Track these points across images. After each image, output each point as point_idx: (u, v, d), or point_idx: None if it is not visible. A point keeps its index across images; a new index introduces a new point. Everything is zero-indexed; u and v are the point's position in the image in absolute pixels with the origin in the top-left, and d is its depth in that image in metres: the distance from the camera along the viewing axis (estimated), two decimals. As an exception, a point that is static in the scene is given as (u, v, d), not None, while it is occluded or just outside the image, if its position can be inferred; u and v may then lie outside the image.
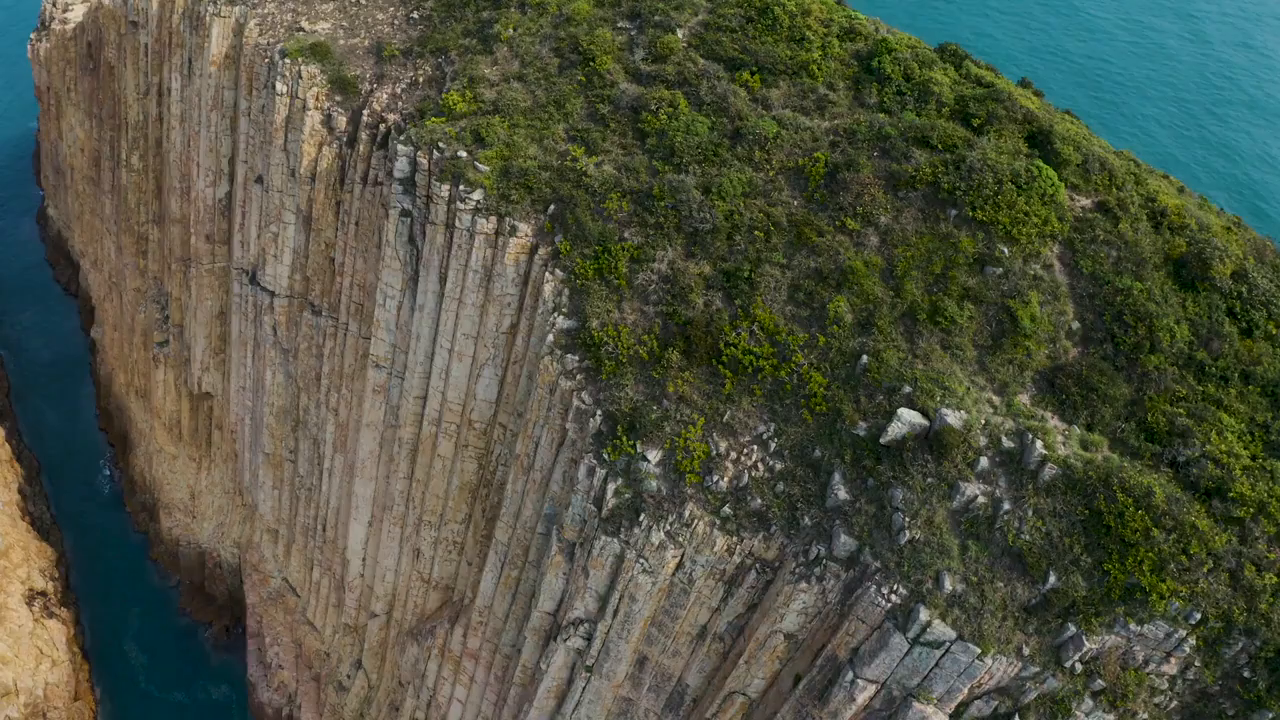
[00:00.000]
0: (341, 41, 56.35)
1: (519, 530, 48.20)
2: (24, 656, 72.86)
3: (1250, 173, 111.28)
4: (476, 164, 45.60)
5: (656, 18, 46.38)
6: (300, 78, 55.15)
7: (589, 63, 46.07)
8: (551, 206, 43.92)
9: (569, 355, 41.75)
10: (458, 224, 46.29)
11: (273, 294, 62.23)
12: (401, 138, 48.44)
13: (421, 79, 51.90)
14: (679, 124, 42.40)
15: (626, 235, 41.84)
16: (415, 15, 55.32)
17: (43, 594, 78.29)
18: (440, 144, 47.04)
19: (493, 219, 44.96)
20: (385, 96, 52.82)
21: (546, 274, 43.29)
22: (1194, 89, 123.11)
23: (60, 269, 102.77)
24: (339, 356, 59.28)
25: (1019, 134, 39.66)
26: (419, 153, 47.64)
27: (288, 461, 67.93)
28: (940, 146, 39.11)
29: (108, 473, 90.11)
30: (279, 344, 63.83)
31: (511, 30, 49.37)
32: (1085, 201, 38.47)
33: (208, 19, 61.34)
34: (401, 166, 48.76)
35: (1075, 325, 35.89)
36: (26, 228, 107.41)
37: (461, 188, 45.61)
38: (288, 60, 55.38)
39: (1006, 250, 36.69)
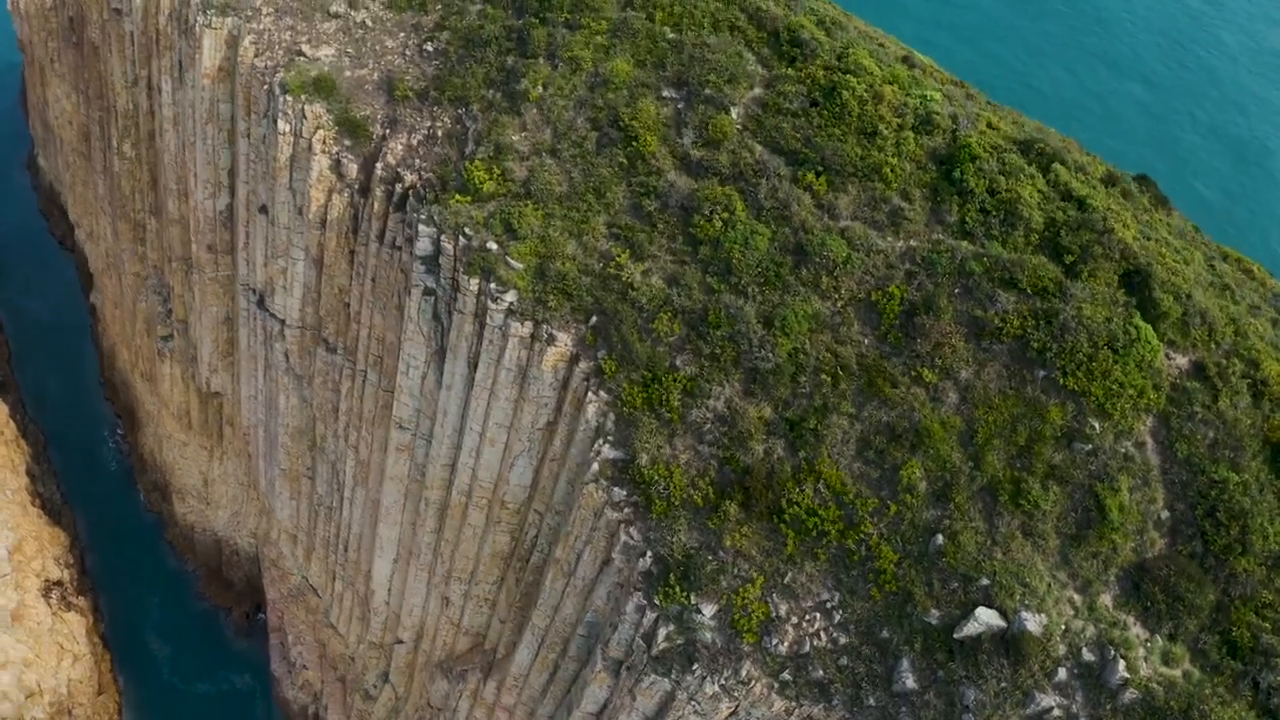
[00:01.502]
0: (347, 73, 50.91)
1: (558, 623, 46.86)
2: (46, 656, 72.81)
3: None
4: (509, 259, 41.78)
5: (707, 91, 41.50)
6: (304, 117, 50.17)
7: (631, 141, 41.52)
8: (594, 317, 40.49)
9: (616, 488, 39.31)
10: (489, 320, 42.86)
11: (283, 322, 58.86)
12: (423, 216, 44.26)
13: (440, 132, 47.09)
14: (736, 234, 38.52)
15: (678, 363, 38.67)
16: (429, 47, 49.78)
17: (59, 584, 77.66)
18: (467, 229, 42.99)
19: (528, 323, 41.56)
20: (400, 148, 48.08)
21: (590, 393, 40.30)
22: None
23: (55, 221, 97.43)
24: (358, 399, 56.51)
25: (1114, 272, 36.08)
26: (443, 236, 43.69)
27: (305, 478, 66.01)
28: (1029, 290, 35.62)
29: (113, 444, 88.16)
30: (292, 370, 60.90)
31: (541, 88, 44.35)
32: (1182, 360, 35.36)
33: (198, 29, 55.42)
34: (424, 246, 44.81)
35: (1165, 515, 33.55)
36: (17, 175, 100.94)
37: (493, 285, 41.97)
38: (289, 97, 50.21)
39: (1098, 425, 33.90)
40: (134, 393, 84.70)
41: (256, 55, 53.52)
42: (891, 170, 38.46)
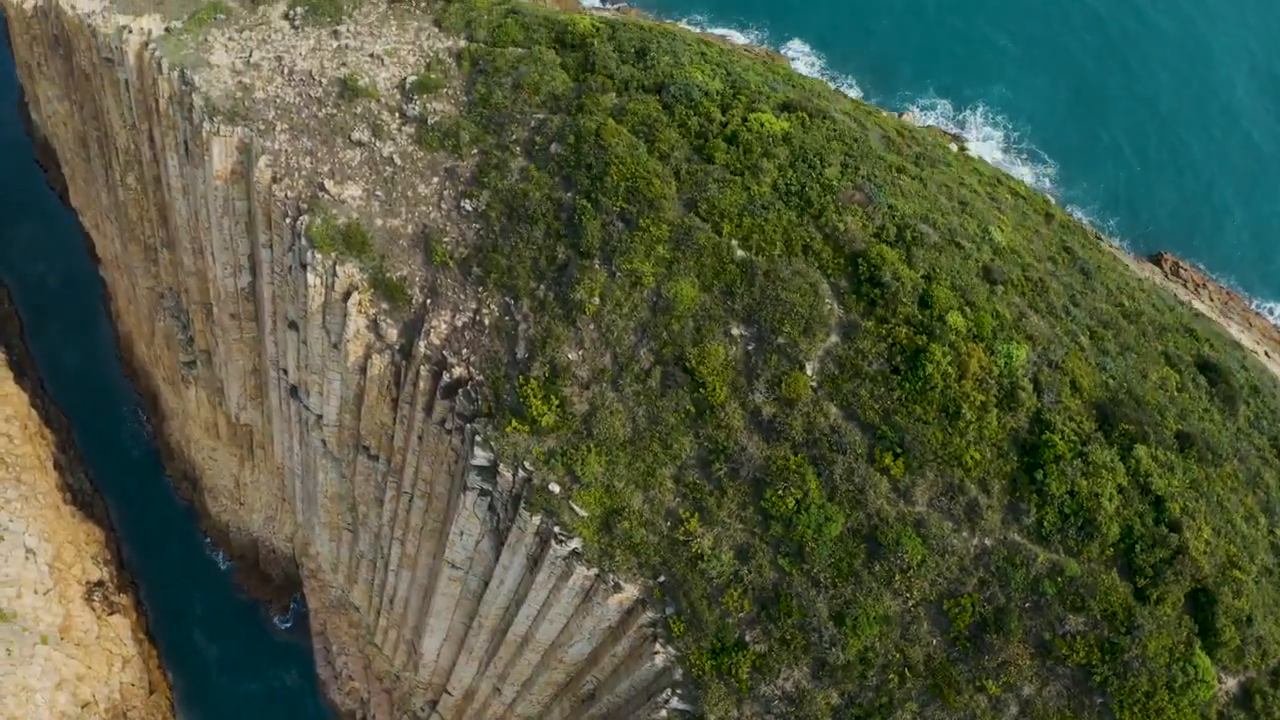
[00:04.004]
0: (378, 221, 47.12)
1: (614, 774, 49.37)
2: (97, 665, 75.93)
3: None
4: (573, 506, 40.90)
5: (780, 340, 39.05)
6: (336, 275, 47.09)
7: (699, 388, 39.57)
8: (661, 576, 40.23)
9: (684, 736, 40.63)
10: (551, 549, 42.44)
11: (319, 416, 57.66)
12: (479, 439, 42.70)
13: (487, 320, 44.38)
14: (809, 518, 37.79)
15: (748, 638, 38.99)
16: (468, 206, 45.81)
17: (100, 584, 79.75)
18: (526, 463, 41.73)
19: (593, 568, 41.31)
20: (444, 326, 45.48)
21: (658, 644, 40.73)
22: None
23: (54, 174, 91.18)
24: (404, 511, 56.36)
25: (1183, 590, 36.28)
26: (501, 464, 42.38)
27: (346, 531, 66.68)
28: (1099, 614, 35.86)
29: (136, 425, 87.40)
30: (330, 454, 60.19)
31: (597, 300, 41.48)
32: (1231, 683, 36.68)
33: (205, 135, 50.65)
34: (480, 460, 43.54)
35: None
36: (7, 117, 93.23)
37: (556, 529, 41.31)
38: (319, 254, 46.87)
39: (1148, 758, 35.10)
40: (155, 383, 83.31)
41: (275, 181, 49.40)
42: (972, 460, 37.25)
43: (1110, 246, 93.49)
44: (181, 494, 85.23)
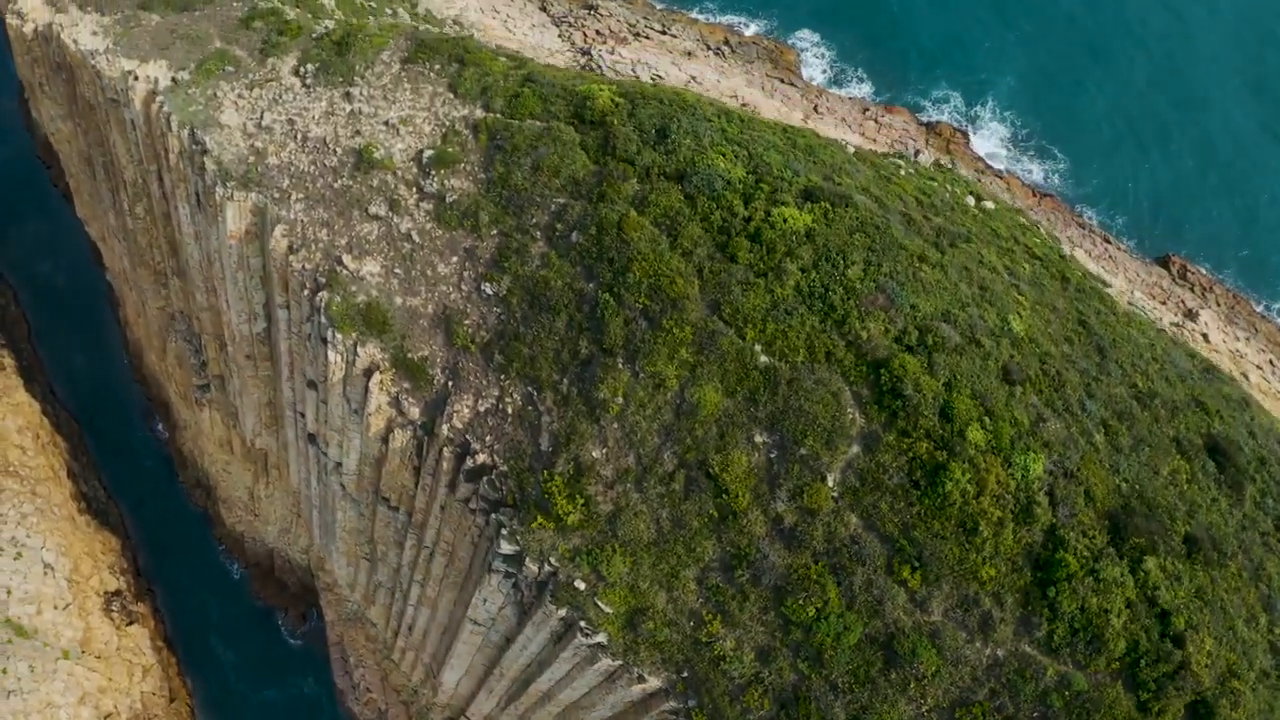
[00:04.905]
0: (398, 299, 47.14)
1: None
2: (118, 677, 77.60)
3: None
4: (599, 603, 41.86)
5: (802, 451, 39.65)
6: (357, 354, 47.27)
7: (722, 493, 40.29)
8: (684, 672, 41.43)
9: (705, 817, 42.27)
10: (577, 638, 43.55)
11: (339, 464, 58.36)
12: (505, 531, 43.47)
13: (510, 408, 44.80)
14: (829, 627, 38.95)
15: (767, 735, 40.37)
16: (489, 290, 45.78)
17: (118, 593, 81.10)
18: (552, 559, 42.58)
19: (617, 660, 42.47)
20: (466, 411, 45.87)
21: (680, 731, 42.25)
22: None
23: (56, 171, 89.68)
24: (425, 561, 57.38)
25: (1183, 702, 37.71)
26: (527, 557, 43.21)
27: (364, 560, 67.83)
28: (1104, 727, 37.34)
29: (148, 432, 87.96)
30: (349, 495, 61.02)
31: (620, 399, 41.89)
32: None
33: (219, 198, 50.27)
34: (505, 550, 44.35)
35: None
36: (7, 111, 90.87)
37: (582, 624, 42.36)
38: (339, 334, 46.99)
39: None
40: (167, 394, 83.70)
41: (291, 252, 49.27)
42: (988, 574, 38.27)
43: (1118, 249, 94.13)
44: (195, 501, 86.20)
